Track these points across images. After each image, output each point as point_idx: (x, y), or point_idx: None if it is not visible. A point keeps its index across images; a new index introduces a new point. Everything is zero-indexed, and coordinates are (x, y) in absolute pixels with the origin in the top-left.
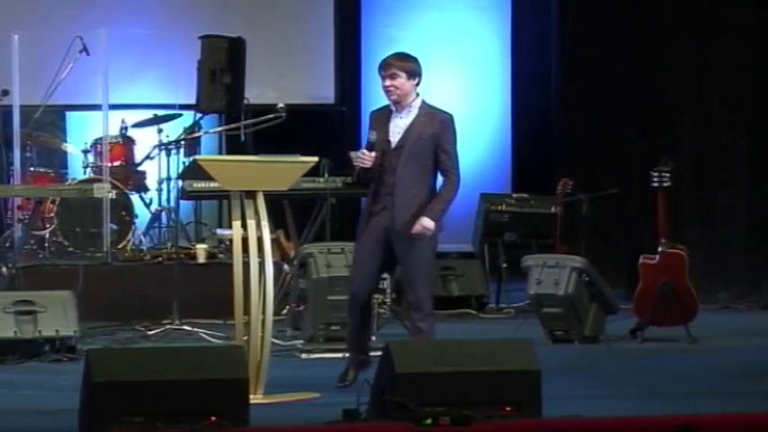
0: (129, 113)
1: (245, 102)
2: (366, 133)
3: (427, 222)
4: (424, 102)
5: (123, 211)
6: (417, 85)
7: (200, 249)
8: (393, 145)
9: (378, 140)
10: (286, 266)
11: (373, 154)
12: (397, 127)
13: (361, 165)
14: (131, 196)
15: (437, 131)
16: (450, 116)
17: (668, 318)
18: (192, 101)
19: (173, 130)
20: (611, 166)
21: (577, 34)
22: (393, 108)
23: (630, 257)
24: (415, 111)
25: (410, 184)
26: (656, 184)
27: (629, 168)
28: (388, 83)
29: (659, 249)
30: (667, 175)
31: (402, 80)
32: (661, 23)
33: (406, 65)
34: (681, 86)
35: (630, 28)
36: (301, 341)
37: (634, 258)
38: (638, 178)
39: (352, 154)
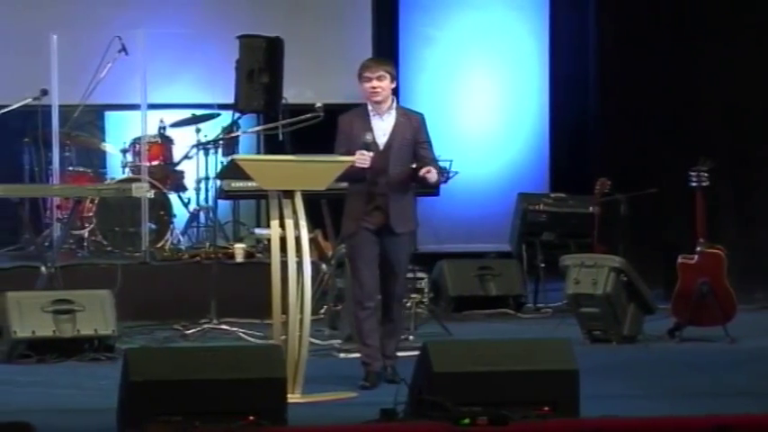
0: (168, 113)
1: (283, 101)
2: (337, 135)
3: (434, 174)
4: (397, 104)
5: (161, 210)
6: (393, 87)
7: (239, 249)
8: (381, 147)
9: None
10: (324, 266)
11: (371, 154)
12: (381, 129)
13: (362, 165)
14: (169, 196)
15: (415, 132)
16: (422, 115)
17: (706, 318)
18: (230, 100)
19: (211, 129)
20: (648, 165)
21: (615, 34)
22: (372, 110)
23: (668, 257)
24: (393, 112)
25: (401, 184)
26: (694, 184)
27: (666, 168)
28: (375, 84)
29: (697, 249)
30: (705, 174)
31: (387, 82)
32: (699, 23)
33: (390, 68)
34: (718, 86)
35: (668, 27)
36: (339, 341)
37: (672, 258)
38: (675, 178)
39: (357, 154)
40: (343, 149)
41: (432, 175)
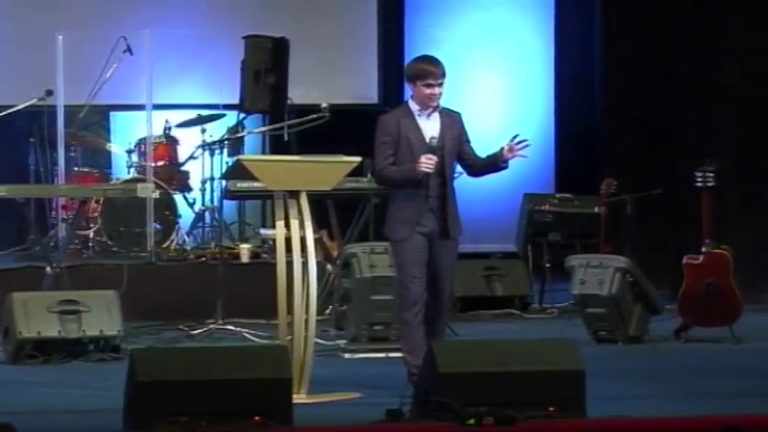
0: (173, 113)
1: (289, 102)
2: (376, 139)
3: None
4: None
5: (167, 210)
6: None
7: (244, 249)
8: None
9: (417, 144)
10: (329, 266)
11: (436, 158)
12: (428, 130)
13: (429, 169)
14: (175, 196)
15: (459, 130)
16: (460, 113)
17: (712, 318)
18: (236, 101)
19: (216, 130)
20: (654, 166)
21: (621, 34)
22: (419, 110)
23: (675, 258)
24: (436, 112)
25: (452, 185)
26: (700, 185)
27: (673, 168)
28: (437, 91)
29: (703, 249)
30: (711, 175)
31: (443, 86)
32: (705, 23)
33: (445, 70)
34: (725, 86)
35: (674, 28)
36: (345, 341)
37: (678, 259)
38: (682, 178)
39: (423, 158)
40: (391, 152)
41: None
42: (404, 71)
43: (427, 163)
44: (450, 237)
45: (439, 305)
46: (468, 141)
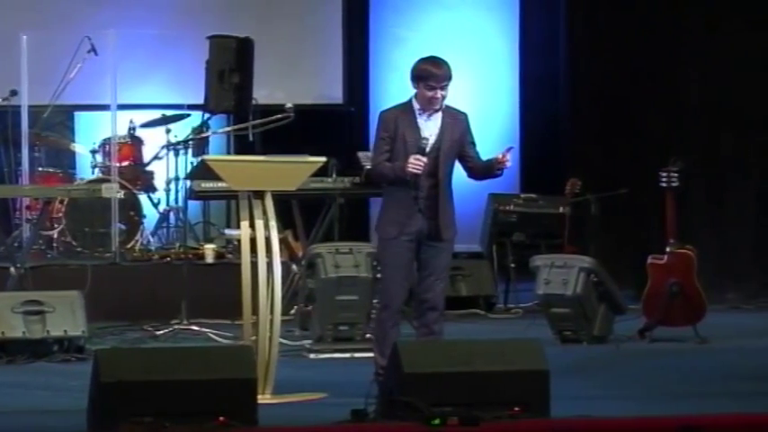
0: (138, 113)
1: (254, 102)
2: (375, 133)
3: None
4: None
5: (131, 211)
6: None
7: (209, 249)
8: (428, 149)
9: (412, 142)
10: (294, 266)
11: (425, 159)
12: (428, 130)
13: (417, 170)
14: (140, 196)
15: (463, 132)
16: (466, 114)
17: (677, 318)
18: (201, 101)
19: (181, 130)
20: (619, 166)
21: (585, 34)
22: (420, 109)
23: (639, 258)
24: (439, 112)
25: (447, 187)
26: (664, 184)
27: (637, 168)
28: (439, 94)
29: (667, 249)
30: (676, 175)
31: (448, 90)
32: (670, 23)
33: (451, 73)
34: (690, 86)
35: (639, 28)
36: (309, 341)
37: (643, 258)
38: (646, 178)
39: (412, 159)
40: (387, 148)
41: (507, 160)
42: (410, 70)
43: (415, 164)
44: (442, 239)
45: (430, 308)
46: (473, 144)
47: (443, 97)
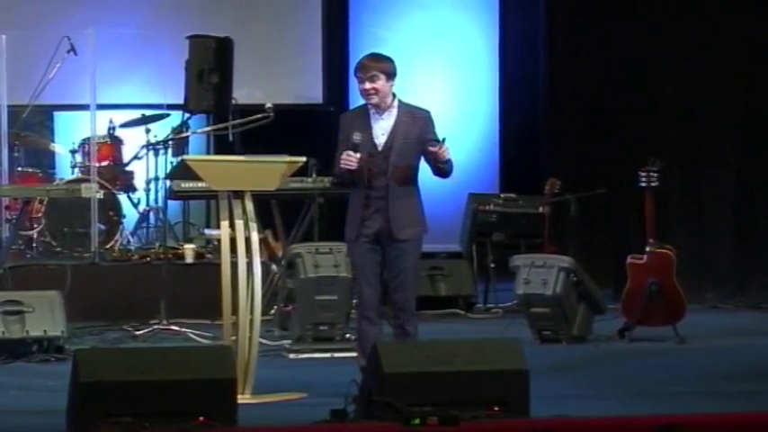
0: (117, 113)
1: (233, 102)
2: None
3: (445, 151)
4: (401, 101)
5: (111, 211)
6: (393, 85)
7: (188, 249)
8: (380, 147)
9: (363, 143)
10: (274, 266)
11: (359, 155)
12: (381, 129)
13: (347, 167)
14: (119, 196)
15: (421, 130)
16: (428, 111)
17: (656, 318)
18: (180, 101)
19: (160, 130)
20: (598, 165)
21: (565, 34)
22: (372, 110)
23: (618, 257)
24: (395, 111)
25: (402, 186)
26: (643, 184)
27: (616, 168)
28: (368, 86)
29: (647, 249)
30: (655, 175)
31: (382, 82)
32: (649, 24)
33: (385, 66)
34: (669, 87)
35: (619, 28)
36: (289, 341)
37: (622, 258)
38: (625, 178)
39: (344, 155)
40: (344, 149)
41: (443, 151)
42: None
43: (346, 160)
44: (397, 239)
45: (399, 310)
46: (436, 140)
47: (376, 90)
